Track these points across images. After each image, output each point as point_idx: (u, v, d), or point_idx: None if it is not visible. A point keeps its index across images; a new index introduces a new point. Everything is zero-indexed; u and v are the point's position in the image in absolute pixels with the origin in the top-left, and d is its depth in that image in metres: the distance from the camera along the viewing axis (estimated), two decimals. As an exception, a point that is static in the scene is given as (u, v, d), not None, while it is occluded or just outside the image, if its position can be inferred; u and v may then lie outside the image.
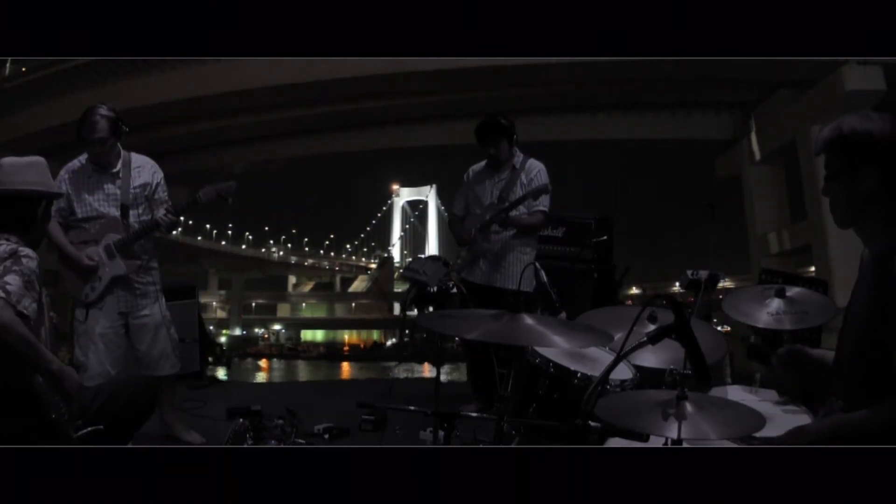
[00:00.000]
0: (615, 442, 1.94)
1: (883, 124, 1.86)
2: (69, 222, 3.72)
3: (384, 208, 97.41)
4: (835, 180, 1.92)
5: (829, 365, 2.08)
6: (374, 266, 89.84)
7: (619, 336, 2.05)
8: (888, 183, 1.85)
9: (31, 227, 2.50)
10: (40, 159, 2.61)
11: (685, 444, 1.78)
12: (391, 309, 63.41)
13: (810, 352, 2.19)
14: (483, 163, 4.64)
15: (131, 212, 3.76)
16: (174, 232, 3.96)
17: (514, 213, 4.42)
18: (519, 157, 4.57)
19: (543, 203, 4.46)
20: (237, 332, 68.16)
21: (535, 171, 4.51)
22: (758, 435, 1.99)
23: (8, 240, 2.40)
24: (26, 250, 2.39)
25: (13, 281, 2.28)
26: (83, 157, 3.78)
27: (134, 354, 3.80)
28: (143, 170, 3.82)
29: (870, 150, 1.85)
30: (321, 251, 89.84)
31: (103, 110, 3.65)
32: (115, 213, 3.74)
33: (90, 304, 3.71)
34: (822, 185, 1.96)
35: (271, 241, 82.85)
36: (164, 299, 3.91)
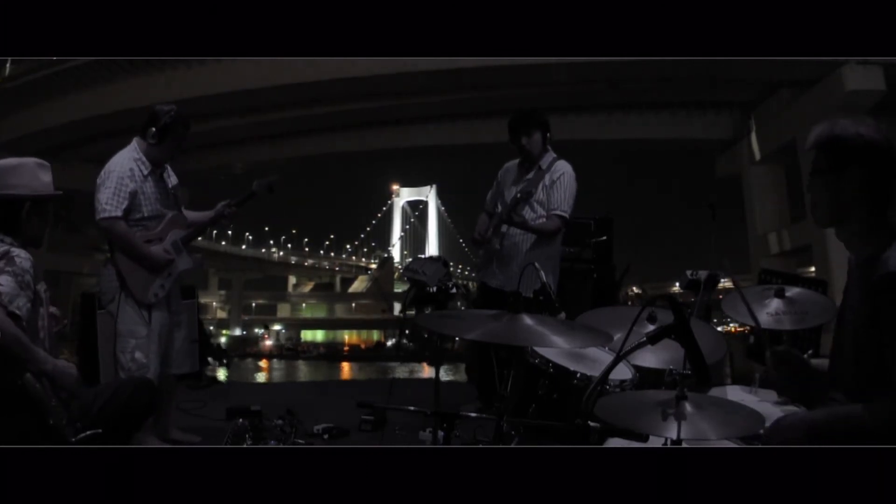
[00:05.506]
0: (615, 442, 1.94)
1: (875, 130, 1.89)
2: (131, 222, 3.61)
3: (384, 208, 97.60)
4: (819, 177, 1.94)
5: (824, 371, 2.10)
6: (374, 266, 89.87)
7: (618, 336, 2.05)
8: (870, 187, 1.88)
9: (18, 228, 2.47)
10: (29, 161, 2.58)
11: (685, 444, 1.78)
12: (391, 309, 63.44)
13: (801, 358, 2.21)
14: (517, 161, 4.42)
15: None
16: None
17: (532, 215, 4.21)
18: (549, 157, 4.33)
19: (562, 208, 4.23)
20: (237, 332, 68.16)
21: (559, 173, 4.26)
22: (757, 435, 1.99)
23: (2, 241, 2.41)
24: (18, 250, 2.40)
25: (5, 281, 2.29)
26: (133, 154, 3.65)
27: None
28: (171, 170, 3.86)
29: (856, 152, 1.88)
30: (321, 251, 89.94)
31: None
32: (177, 209, 3.78)
33: (154, 306, 3.63)
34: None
35: (271, 241, 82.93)
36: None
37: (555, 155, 4.37)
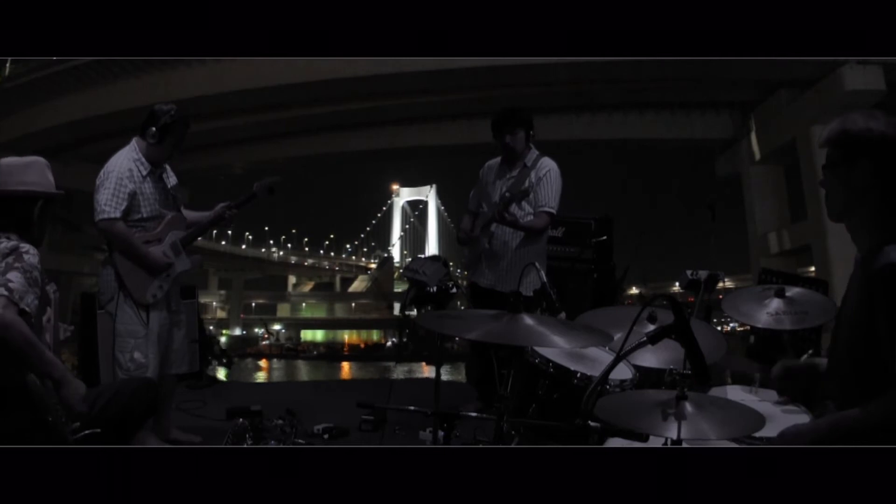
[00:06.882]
0: (615, 442, 1.94)
1: (885, 123, 1.90)
2: (130, 223, 3.61)
3: (384, 208, 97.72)
4: (831, 170, 1.96)
5: (825, 370, 2.10)
6: (374, 266, 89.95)
7: (618, 336, 2.05)
8: (880, 180, 1.89)
9: (29, 226, 2.49)
10: (39, 159, 2.61)
11: (685, 444, 1.78)
12: (391, 309, 63.45)
13: (804, 364, 2.21)
14: (499, 158, 4.42)
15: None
16: None
17: (519, 212, 4.19)
18: (533, 154, 4.33)
19: (550, 204, 4.24)
20: (237, 332, 68.15)
21: (545, 170, 4.27)
22: (758, 435, 1.99)
23: (9, 238, 2.41)
24: (27, 246, 2.40)
25: (15, 278, 2.28)
26: (133, 155, 3.64)
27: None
28: (170, 170, 3.85)
29: (866, 145, 1.90)
30: (321, 251, 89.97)
31: None
32: (177, 210, 3.77)
33: (152, 306, 3.63)
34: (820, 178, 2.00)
35: (271, 241, 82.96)
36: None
37: (538, 152, 4.37)
